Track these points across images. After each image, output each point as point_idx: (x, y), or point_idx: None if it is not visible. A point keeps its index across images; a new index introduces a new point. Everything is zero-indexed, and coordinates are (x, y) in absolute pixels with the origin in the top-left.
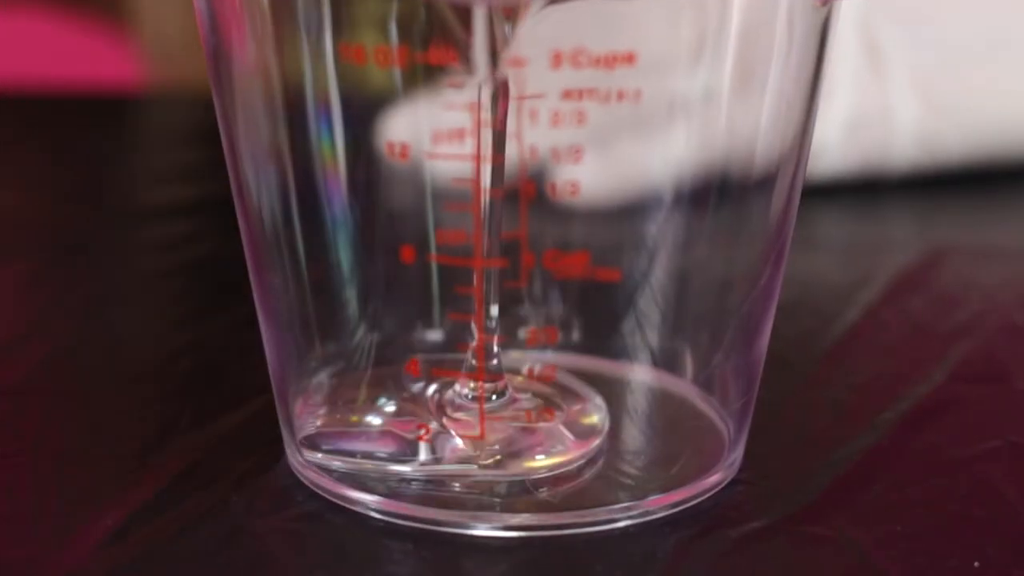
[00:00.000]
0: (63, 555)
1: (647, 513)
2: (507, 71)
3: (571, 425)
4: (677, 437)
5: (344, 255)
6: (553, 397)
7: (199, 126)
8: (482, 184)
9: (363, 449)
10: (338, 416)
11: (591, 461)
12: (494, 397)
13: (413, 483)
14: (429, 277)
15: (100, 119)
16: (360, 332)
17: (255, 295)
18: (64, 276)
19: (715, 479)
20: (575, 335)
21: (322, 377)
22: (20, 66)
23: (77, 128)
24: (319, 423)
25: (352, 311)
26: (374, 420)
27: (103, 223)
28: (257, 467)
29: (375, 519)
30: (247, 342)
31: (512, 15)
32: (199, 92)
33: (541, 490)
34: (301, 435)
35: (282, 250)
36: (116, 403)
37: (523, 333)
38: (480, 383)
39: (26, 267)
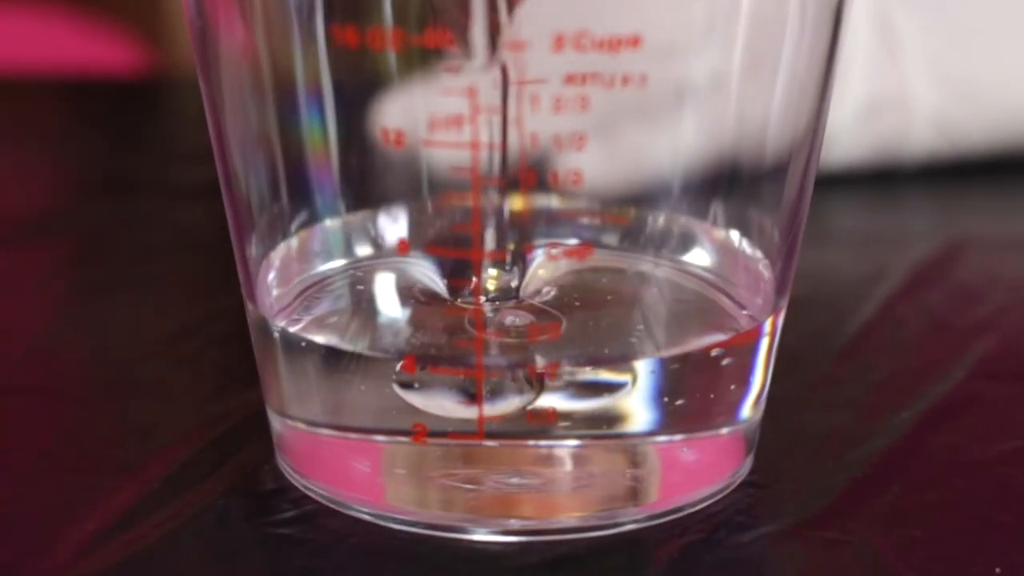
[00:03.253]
0: (45, 561)
1: (653, 517)
2: (508, 55)
3: None
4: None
5: (336, 246)
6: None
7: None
8: (481, 172)
9: (354, 451)
10: (329, 414)
11: (593, 462)
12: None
13: (407, 485)
14: (426, 269)
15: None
16: (353, 326)
17: (242, 288)
18: (47, 264)
19: (724, 481)
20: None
21: (313, 371)
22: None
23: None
24: (308, 416)
25: (345, 305)
26: (366, 420)
27: (96, 206)
28: (247, 468)
29: (368, 522)
30: (235, 336)
31: None
32: None
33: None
34: (290, 428)
35: (272, 241)
36: (100, 400)
37: (523, 328)
38: (479, 380)
39: (8, 255)
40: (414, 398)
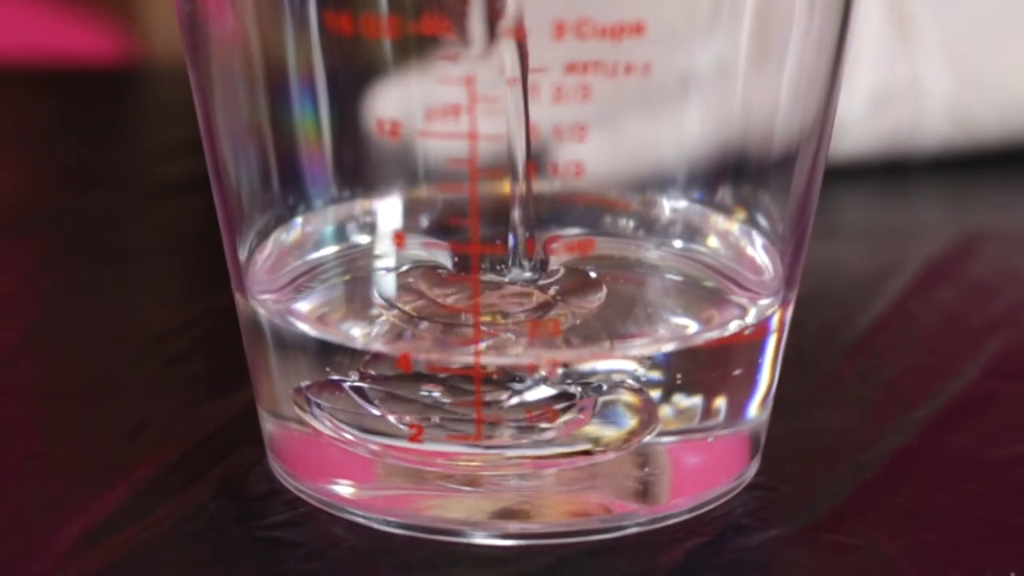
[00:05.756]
0: (31, 564)
1: (656, 520)
2: (507, 43)
3: None
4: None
5: (329, 239)
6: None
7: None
8: (479, 164)
9: (348, 452)
10: (321, 416)
11: (594, 463)
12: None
13: (403, 487)
14: (422, 263)
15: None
16: (346, 321)
17: (232, 281)
18: (31, 261)
19: (730, 483)
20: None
21: (305, 368)
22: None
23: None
24: (300, 416)
25: (337, 299)
26: (359, 424)
27: (80, 201)
28: (238, 469)
29: (362, 525)
30: (225, 335)
31: None
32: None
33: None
34: (282, 428)
35: (263, 233)
36: (86, 399)
37: (523, 325)
38: (476, 378)
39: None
40: (411, 395)
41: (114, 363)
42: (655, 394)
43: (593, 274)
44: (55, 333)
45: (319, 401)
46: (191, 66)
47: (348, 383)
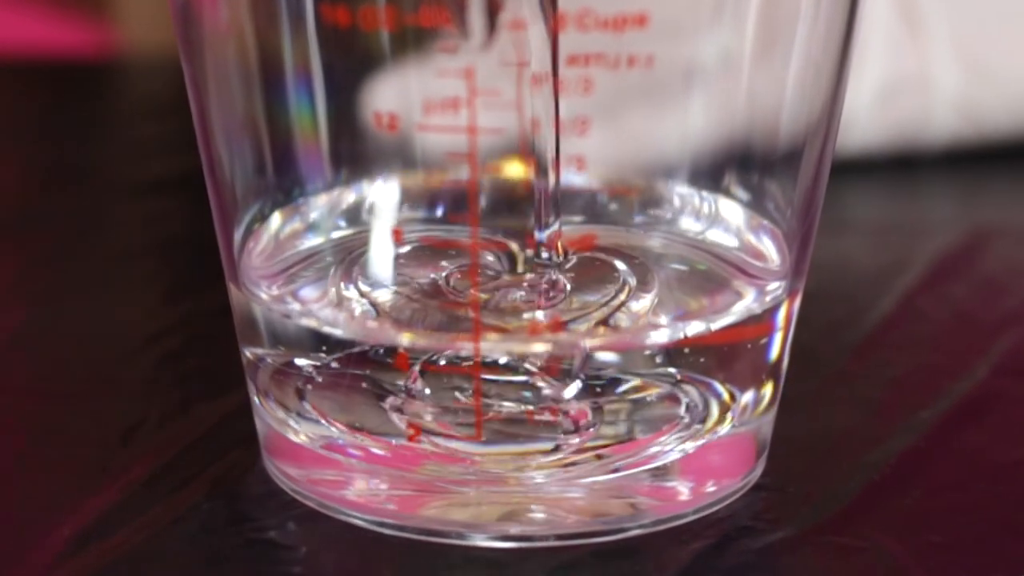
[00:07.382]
0: (20, 568)
1: (659, 522)
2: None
3: None
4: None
5: (325, 233)
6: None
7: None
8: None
9: (344, 452)
10: (314, 422)
11: (599, 466)
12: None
13: (402, 489)
14: (421, 260)
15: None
16: (342, 319)
17: (226, 275)
18: (20, 261)
19: (735, 484)
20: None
21: (302, 372)
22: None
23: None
24: (294, 426)
25: (334, 296)
26: (357, 420)
27: (65, 199)
28: (232, 471)
29: (359, 528)
30: (223, 331)
31: None
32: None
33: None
34: (277, 428)
35: (258, 227)
36: (78, 399)
37: (524, 321)
38: (476, 379)
39: None
40: (408, 395)
41: (105, 363)
42: (658, 394)
43: (595, 268)
44: (46, 333)
45: (314, 397)
46: (185, 59)
47: (343, 380)
